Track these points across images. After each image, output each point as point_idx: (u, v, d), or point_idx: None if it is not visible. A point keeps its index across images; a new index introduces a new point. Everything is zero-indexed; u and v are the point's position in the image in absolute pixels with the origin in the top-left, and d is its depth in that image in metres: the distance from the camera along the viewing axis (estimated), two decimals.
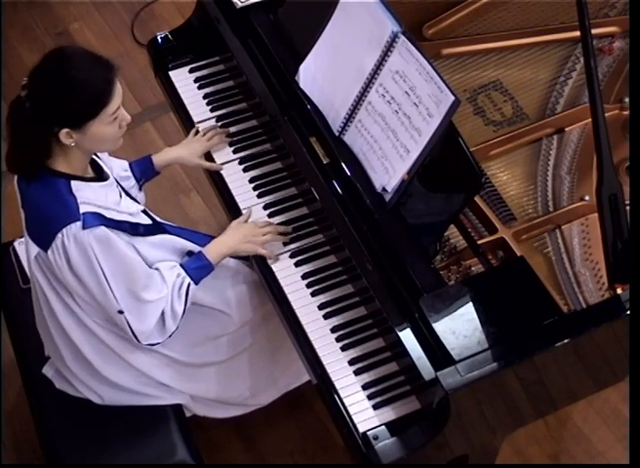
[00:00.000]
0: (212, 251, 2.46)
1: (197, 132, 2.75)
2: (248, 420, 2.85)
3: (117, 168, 2.57)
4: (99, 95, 2.18)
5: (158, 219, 2.49)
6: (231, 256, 2.56)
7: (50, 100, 2.16)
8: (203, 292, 2.52)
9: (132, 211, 2.36)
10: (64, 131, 2.17)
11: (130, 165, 2.63)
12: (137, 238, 2.34)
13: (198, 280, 2.41)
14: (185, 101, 2.87)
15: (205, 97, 2.86)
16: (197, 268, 2.41)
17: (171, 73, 2.92)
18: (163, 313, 2.35)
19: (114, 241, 2.25)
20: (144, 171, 2.65)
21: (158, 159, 2.67)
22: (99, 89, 2.17)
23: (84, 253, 2.23)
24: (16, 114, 2.21)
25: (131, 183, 2.61)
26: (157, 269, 2.36)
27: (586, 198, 2.47)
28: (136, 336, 2.36)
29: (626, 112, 2.63)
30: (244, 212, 2.61)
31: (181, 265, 2.40)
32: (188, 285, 2.38)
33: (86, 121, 2.18)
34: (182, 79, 2.91)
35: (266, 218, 2.60)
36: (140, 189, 2.65)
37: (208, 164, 2.71)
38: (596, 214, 2.33)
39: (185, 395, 2.61)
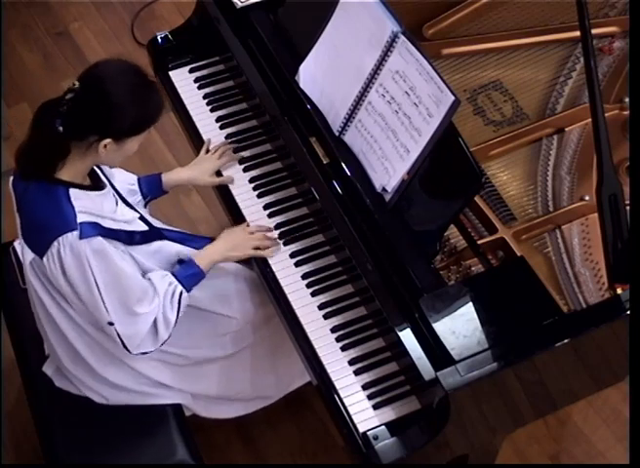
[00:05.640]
0: (203, 258, 2.45)
1: (207, 150, 2.72)
2: (248, 421, 2.86)
3: (123, 181, 2.56)
4: (152, 115, 2.22)
5: (155, 225, 2.48)
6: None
7: (103, 111, 2.16)
8: (205, 296, 2.53)
9: (127, 218, 2.36)
10: (106, 141, 2.18)
11: (138, 180, 2.62)
12: (132, 247, 2.34)
13: (190, 287, 2.40)
14: (185, 101, 2.87)
15: (205, 97, 2.86)
16: (189, 276, 2.40)
17: (171, 73, 2.92)
18: (155, 322, 2.34)
19: (110, 253, 2.25)
20: (152, 188, 2.64)
21: (168, 178, 2.65)
22: (153, 110, 2.22)
23: (79, 263, 2.23)
24: (45, 116, 2.18)
25: (136, 199, 2.60)
26: (149, 279, 2.35)
27: (586, 198, 2.47)
28: (126, 347, 2.35)
29: (626, 112, 2.63)
30: (244, 213, 2.61)
31: (173, 274, 2.39)
32: (180, 293, 2.37)
33: (129, 136, 2.21)
34: (182, 79, 2.91)
35: (266, 219, 2.60)
36: (146, 206, 2.64)
37: (219, 179, 2.67)
38: (596, 214, 2.33)
39: (186, 394, 2.61)
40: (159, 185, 2.64)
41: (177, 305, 2.36)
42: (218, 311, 2.58)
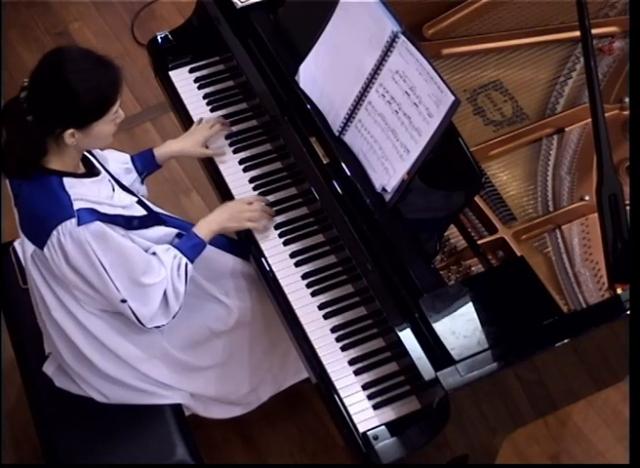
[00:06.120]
0: (201, 229, 2.49)
1: (199, 122, 2.76)
2: (248, 420, 2.86)
3: (116, 161, 2.58)
4: (106, 96, 2.20)
5: (154, 209, 2.50)
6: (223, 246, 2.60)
7: (55, 103, 2.17)
8: (203, 278, 2.55)
9: (125, 203, 2.37)
10: (69, 131, 2.19)
11: (132, 158, 2.64)
12: (131, 231, 2.35)
13: (193, 258, 2.44)
14: (185, 101, 2.87)
15: (205, 97, 2.86)
16: (191, 247, 2.44)
17: (171, 73, 2.92)
18: (165, 294, 2.38)
19: (110, 234, 2.27)
20: (146, 164, 2.65)
21: (160, 152, 2.67)
22: (106, 90, 2.20)
23: (82, 249, 2.25)
24: (12, 115, 2.22)
25: (133, 177, 2.62)
26: (154, 253, 2.39)
27: (586, 198, 2.47)
28: (140, 322, 2.38)
29: (626, 112, 2.63)
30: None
31: (175, 246, 2.43)
32: (186, 264, 2.41)
33: (92, 121, 2.20)
34: (182, 79, 2.91)
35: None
36: (142, 182, 2.66)
37: (210, 151, 2.71)
38: (596, 214, 2.33)
39: (185, 393, 2.61)
40: (152, 160, 2.66)
41: (184, 276, 2.40)
42: (214, 292, 2.59)
